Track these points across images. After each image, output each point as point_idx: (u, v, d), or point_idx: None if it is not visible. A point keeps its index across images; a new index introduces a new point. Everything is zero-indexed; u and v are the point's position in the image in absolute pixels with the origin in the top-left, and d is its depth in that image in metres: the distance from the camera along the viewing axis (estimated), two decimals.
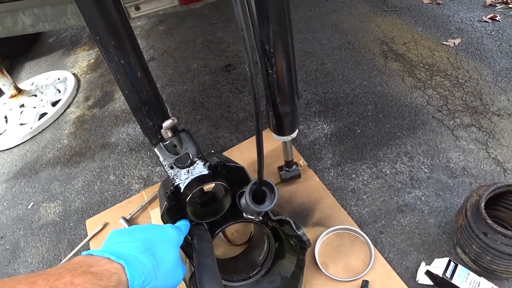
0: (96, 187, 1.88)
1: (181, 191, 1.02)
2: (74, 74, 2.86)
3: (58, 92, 2.68)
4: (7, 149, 2.35)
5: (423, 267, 1.22)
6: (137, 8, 1.41)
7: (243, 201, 0.96)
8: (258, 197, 0.92)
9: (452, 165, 1.54)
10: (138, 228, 0.84)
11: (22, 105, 2.63)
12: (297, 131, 1.22)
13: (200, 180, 1.03)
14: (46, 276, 0.55)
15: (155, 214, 1.55)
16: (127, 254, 0.70)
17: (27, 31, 1.56)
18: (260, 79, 1.03)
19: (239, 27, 0.64)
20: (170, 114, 1.07)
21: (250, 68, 0.64)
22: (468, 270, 1.16)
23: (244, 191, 1.00)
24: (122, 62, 0.91)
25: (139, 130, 2.17)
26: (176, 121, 1.06)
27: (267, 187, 0.91)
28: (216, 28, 2.94)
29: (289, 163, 1.44)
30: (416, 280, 1.21)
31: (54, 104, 2.59)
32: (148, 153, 1.99)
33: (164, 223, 1.02)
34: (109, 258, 0.66)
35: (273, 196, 0.90)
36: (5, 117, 2.60)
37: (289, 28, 1.01)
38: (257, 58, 1.03)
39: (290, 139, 1.23)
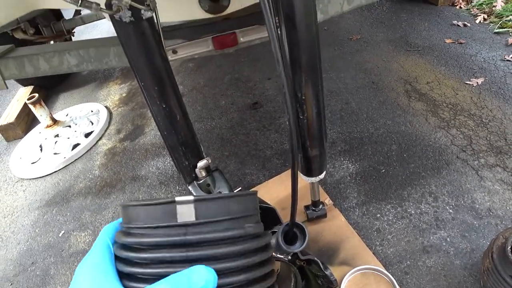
0: None
1: None
2: (106, 107, 2.99)
3: (91, 124, 2.81)
4: (40, 177, 2.46)
5: None
6: (174, 52, 1.51)
7: (274, 241, 1.00)
8: (289, 238, 0.96)
9: (477, 206, 1.55)
10: None
11: (57, 135, 2.76)
12: (324, 172, 1.27)
13: None
14: None
15: None
16: None
17: (72, 70, 1.67)
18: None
19: (281, 83, 0.71)
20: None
21: (289, 123, 0.70)
22: None
23: (274, 231, 1.04)
24: (164, 106, 0.99)
25: (168, 164, 2.25)
26: (210, 161, 1.12)
27: (298, 229, 0.95)
28: (243, 66, 3.05)
29: (315, 203, 1.47)
30: None
31: (87, 135, 2.71)
32: (177, 187, 2.06)
33: None
34: None
35: (304, 238, 0.94)
36: (40, 146, 2.72)
37: (320, 76, 1.07)
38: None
39: (318, 180, 1.27)
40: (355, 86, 2.43)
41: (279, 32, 1.04)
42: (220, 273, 0.40)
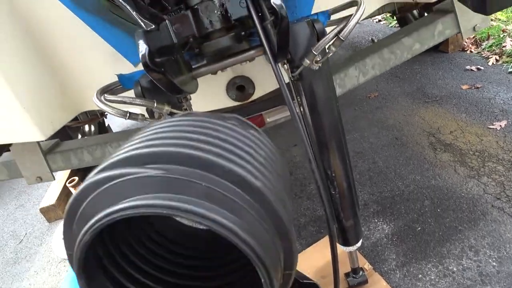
0: None
1: None
2: None
3: None
4: None
5: None
6: None
7: None
8: None
9: None
10: None
11: None
12: (361, 240, 1.31)
13: None
14: None
15: None
16: None
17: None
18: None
19: (315, 180, 0.79)
20: None
21: (327, 215, 0.77)
22: None
23: None
24: None
25: None
26: None
27: None
28: (268, 135, 3.14)
29: (355, 270, 1.49)
30: None
31: None
32: None
33: None
34: None
35: None
36: None
37: (346, 153, 1.15)
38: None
39: (355, 248, 1.31)
40: (379, 144, 2.49)
41: (301, 109, 1.14)
42: None
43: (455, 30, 1.60)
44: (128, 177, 0.47)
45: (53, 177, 1.90)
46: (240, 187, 0.48)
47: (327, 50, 0.94)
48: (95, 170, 0.50)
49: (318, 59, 0.95)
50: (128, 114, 0.98)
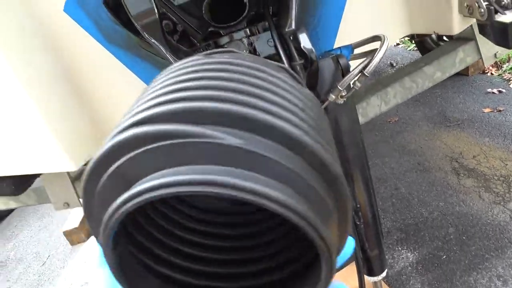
0: None
1: None
2: None
3: None
4: None
5: None
6: None
7: None
8: None
9: None
10: None
11: None
12: (386, 270, 1.30)
13: None
14: None
15: None
16: None
17: None
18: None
19: None
20: None
21: (357, 255, 0.78)
22: None
23: None
24: None
25: None
26: None
27: None
28: None
29: None
30: None
31: None
32: None
33: None
34: None
35: None
36: None
37: (371, 184, 1.16)
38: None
39: (380, 279, 1.30)
40: (401, 170, 2.47)
41: None
42: None
43: (476, 57, 1.61)
44: (194, 139, 0.33)
45: (80, 203, 1.95)
46: (316, 169, 0.38)
47: (351, 86, 0.96)
48: (139, 116, 0.34)
49: (343, 94, 0.97)
50: None
